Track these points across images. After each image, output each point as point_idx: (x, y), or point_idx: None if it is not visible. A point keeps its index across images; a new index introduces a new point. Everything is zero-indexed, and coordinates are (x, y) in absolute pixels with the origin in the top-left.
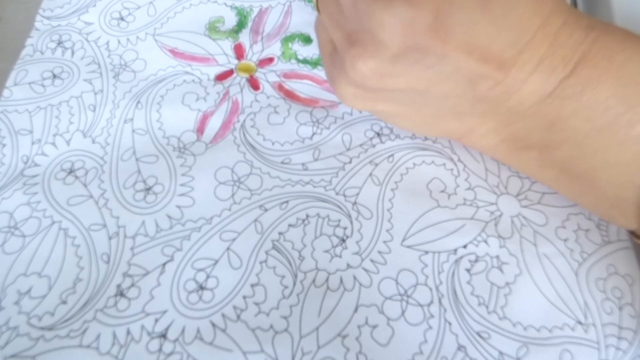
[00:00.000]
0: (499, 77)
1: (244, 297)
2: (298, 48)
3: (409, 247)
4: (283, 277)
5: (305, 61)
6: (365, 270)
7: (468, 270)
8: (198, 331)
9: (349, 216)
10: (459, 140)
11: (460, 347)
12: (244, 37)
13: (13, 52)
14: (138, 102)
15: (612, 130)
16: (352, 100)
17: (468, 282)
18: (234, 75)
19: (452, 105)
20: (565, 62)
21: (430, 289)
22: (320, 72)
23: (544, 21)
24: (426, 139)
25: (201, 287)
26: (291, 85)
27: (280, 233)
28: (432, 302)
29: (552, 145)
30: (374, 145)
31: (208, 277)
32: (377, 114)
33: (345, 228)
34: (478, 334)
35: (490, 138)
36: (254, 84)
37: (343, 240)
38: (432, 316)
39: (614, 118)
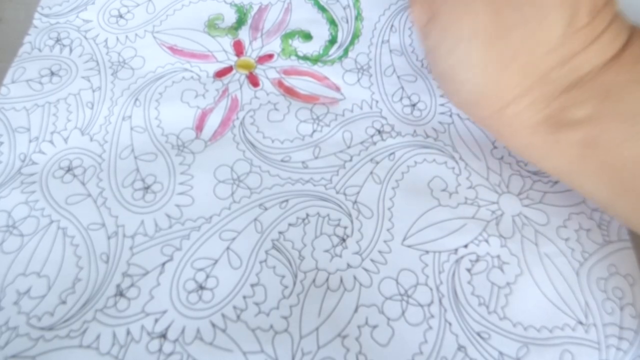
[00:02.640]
0: (587, 17)
1: (244, 297)
2: (298, 45)
3: (409, 246)
4: (283, 277)
5: (305, 58)
6: (366, 270)
7: (469, 270)
8: (198, 331)
9: (349, 215)
10: (498, 114)
11: (461, 348)
12: (244, 34)
13: (13, 52)
14: (136, 99)
15: None
16: None
17: (469, 282)
18: (233, 72)
19: (537, 40)
20: (626, 30)
21: (431, 289)
22: (320, 69)
23: None
24: (427, 136)
25: (201, 287)
26: (291, 82)
27: (280, 232)
28: (432, 302)
29: (603, 122)
30: (374, 143)
31: (208, 276)
32: (452, 35)
33: (345, 227)
34: (478, 334)
35: (537, 110)
36: (254, 81)
37: (343, 240)
38: (432, 316)
39: None
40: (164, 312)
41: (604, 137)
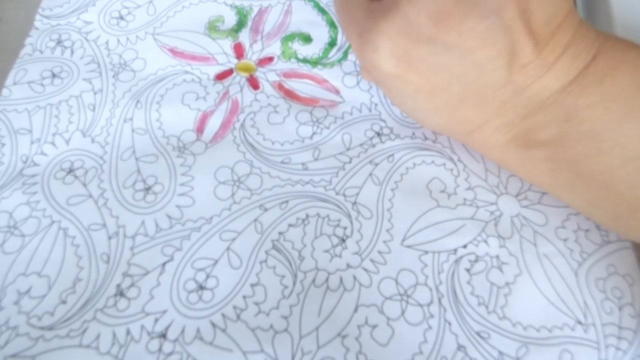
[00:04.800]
0: (532, 54)
1: (244, 297)
2: (298, 47)
3: (408, 247)
4: (283, 277)
5: (305, 60)
6: (365, 270)
7: (468, 270)
8: (198, 331)
9: (349, 216)
10: (468, 137)
11: (460, 347)
12: (244, 37)
13: (13, 52)
14: (137, 101)
15: (631, 121)
16: (387, 58)
17: (468, 282)
18: (234, 74)
19: (481, 84)
20: (587, 51)
21: (430, 289)
22: (320, 72)
23: (570, 9)
24: (426, 138)
25: (201, 287)
26: (291, 84)
27: (280, 233)
28: (431, 302)
29: (567, 141)
30: (374, 145)
31: (208, 277)
32: (396, 92)
33: (345, 228)
34: (478, 333)
35: (502, 133)
36: (254, 84)
37: (343, 240)
38: (431, 316)
39: (632, 108)
40: (164, 311)
41: (571, 154)
